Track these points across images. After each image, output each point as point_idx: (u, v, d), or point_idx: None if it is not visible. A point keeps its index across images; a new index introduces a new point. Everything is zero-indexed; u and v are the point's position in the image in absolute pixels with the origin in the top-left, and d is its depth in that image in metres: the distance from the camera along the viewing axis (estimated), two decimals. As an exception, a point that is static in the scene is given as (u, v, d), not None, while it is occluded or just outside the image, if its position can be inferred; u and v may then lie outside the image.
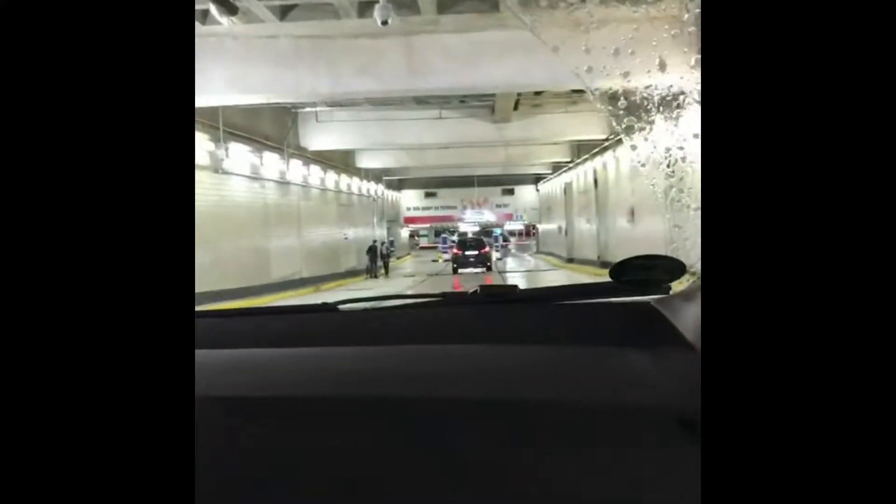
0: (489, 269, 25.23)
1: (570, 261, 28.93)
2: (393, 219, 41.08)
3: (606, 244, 22.14)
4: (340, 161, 25.67)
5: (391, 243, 38.56)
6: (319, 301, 1.27)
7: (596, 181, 22.90)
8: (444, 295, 1.24)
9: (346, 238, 25.62)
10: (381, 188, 33.71)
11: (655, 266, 1.06)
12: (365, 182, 29.57)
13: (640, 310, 1.04)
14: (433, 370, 0.87)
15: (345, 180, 26.26)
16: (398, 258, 39.10)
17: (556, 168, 32.73)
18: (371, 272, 24.91)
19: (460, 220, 45.21)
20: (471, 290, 1.23)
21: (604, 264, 21.98)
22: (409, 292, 10.03)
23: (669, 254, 1.06)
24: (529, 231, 47.40)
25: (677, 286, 1.07)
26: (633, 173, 16.03)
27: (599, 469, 0.60)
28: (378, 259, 25.43)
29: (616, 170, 20.47)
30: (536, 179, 42.53)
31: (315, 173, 21.95)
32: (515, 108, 19.28)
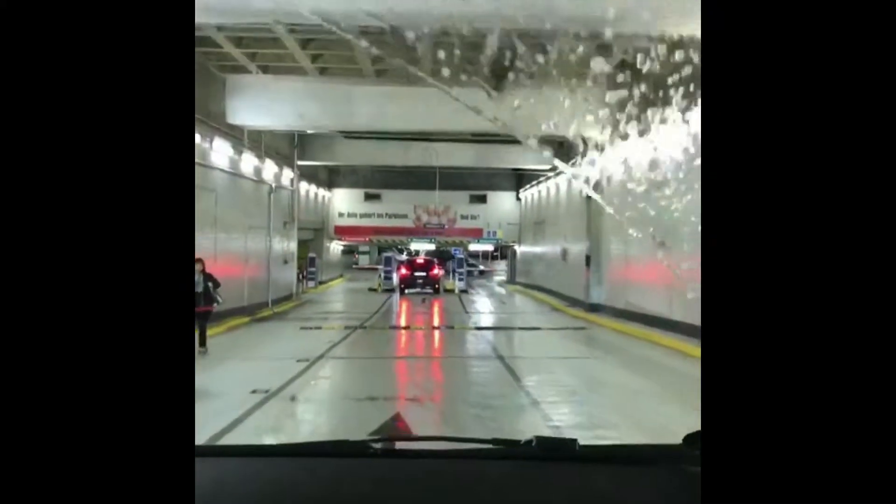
0: (437, 291, 26.16)
1: (595, 309, 17.13)
2: (317, 227, 29.00)
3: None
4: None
5: (311, 261, 26.66)
6: None
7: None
8: (494, 441, 1.22)
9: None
10: (288, 174, 21.30)
11: None
12: (251, 156, 17.17)
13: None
14: None
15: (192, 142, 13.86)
16: (320, 283, 27.20)
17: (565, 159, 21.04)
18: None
19: (413, 233, 33.02)
20: (524, 440, 1.18)
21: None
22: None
23: None
24: (497, 254, 36.28)
25: None
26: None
27: None
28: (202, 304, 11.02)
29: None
30: (518, 183, 31.12)
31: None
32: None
